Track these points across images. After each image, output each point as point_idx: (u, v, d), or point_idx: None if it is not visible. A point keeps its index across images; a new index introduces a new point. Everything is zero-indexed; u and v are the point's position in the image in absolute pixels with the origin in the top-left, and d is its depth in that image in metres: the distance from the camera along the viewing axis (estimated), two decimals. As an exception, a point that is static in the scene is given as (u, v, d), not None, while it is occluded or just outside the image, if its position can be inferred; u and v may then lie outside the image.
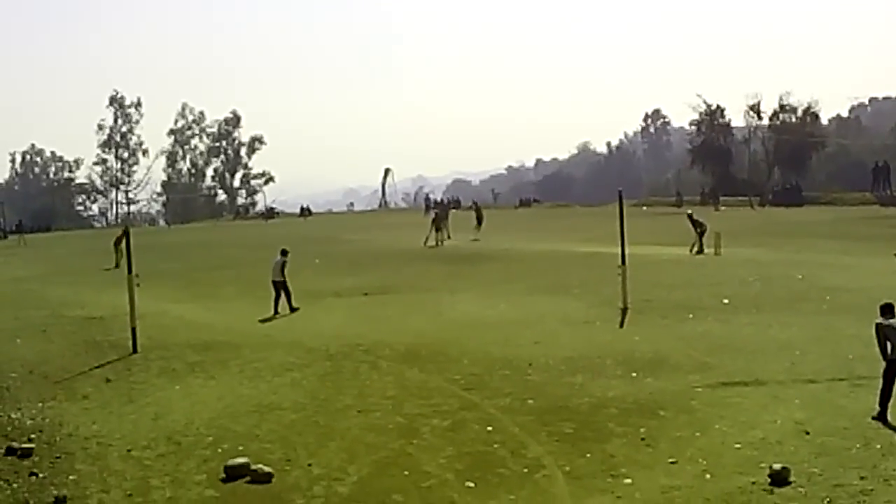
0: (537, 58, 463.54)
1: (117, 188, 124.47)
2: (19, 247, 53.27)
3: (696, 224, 32.60)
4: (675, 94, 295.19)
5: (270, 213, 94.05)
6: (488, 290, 23.97)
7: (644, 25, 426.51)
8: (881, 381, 11.31)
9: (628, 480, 9.48)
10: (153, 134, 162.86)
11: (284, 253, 22.31)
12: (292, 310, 21.50)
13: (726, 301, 19.99)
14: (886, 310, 11.74)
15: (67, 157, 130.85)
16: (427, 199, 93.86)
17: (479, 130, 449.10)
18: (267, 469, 10.00)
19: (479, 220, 44.91)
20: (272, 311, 21.30)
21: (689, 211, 36.64)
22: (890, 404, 11.17)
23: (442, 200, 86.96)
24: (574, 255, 32.17)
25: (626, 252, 20.61)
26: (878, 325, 11.73)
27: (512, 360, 15.12)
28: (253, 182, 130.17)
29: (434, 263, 31.45)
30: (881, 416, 11.05)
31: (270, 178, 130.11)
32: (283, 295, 21.67)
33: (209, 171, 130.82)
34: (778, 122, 78.69)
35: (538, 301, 21.58)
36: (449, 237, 41.96)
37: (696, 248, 31.61)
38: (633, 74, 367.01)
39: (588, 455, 10.30)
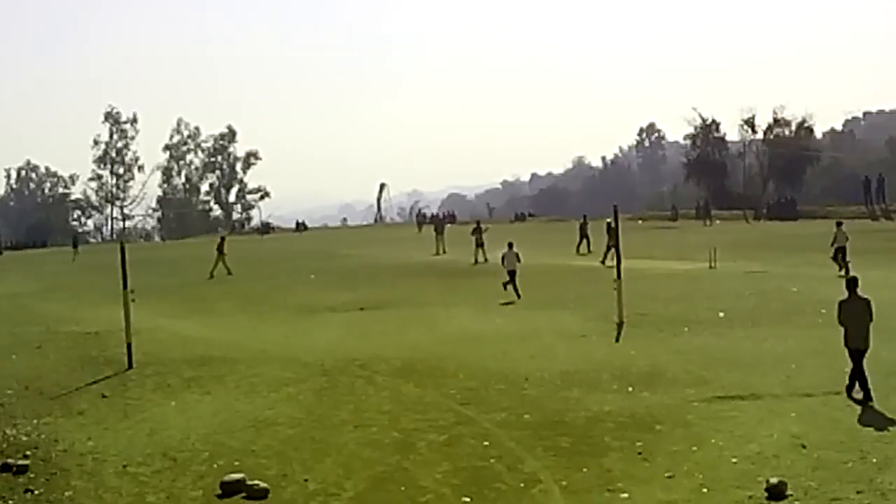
0: (532, 72, 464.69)
1: (112, 204, 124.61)
2: (73, 262, 51.39)
3: (610, 233, 32.49)
4: (670, 109, 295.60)
5: (266, 228, 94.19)
6: (484, 304, 23.98)
7: (638, 40, 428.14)
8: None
9: (625, 495, 9.46)
10: (148, 149, 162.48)
11: (511, 245, 26.16)
12: (518, 295, 24.87)
13: (722, 314, 20.02)
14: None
15: (63, 172, 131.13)
16: (420, 214, 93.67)
17: (474, 145, 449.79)
18: (263, 485, 9.96)
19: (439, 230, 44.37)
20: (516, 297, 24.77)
21: (609, 220, 37.25)
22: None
23: (438, 215, 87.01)
24: (569, 269, 32.26)
25: (622, 266, 20.66)
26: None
27: (508, 374, 15.11)
28: (248, 197, 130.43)
29: (430, 278, 31.48)
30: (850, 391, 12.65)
31: (266, 194, 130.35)
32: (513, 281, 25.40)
33: (204, 187, 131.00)
34: (772, 136, 79.07)
35: (534, 315, 21.60)
36: (445, 251, 42.06)
37: (605, 258, 32.43)
38: (627, 88, 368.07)
39: (585, 469, 10.28)
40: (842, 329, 13.02)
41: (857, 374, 12.70)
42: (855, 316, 12.92)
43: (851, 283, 13.21)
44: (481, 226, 39.01)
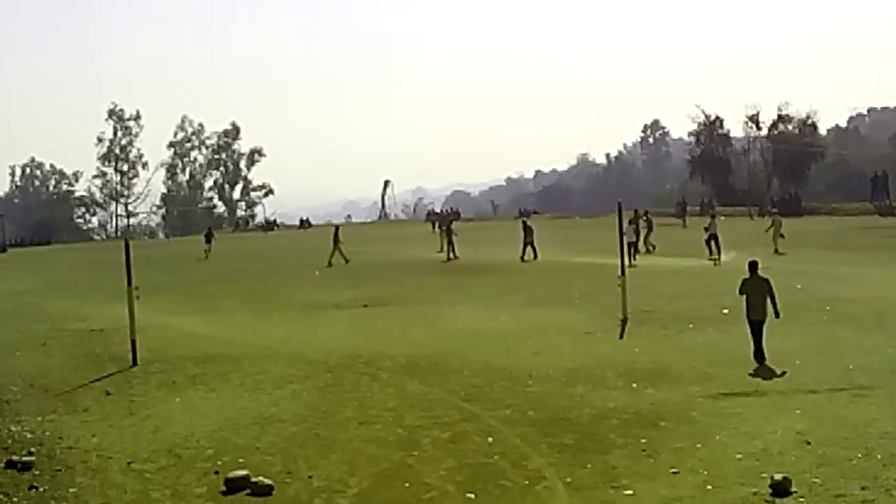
0: (537, 69, 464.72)
1: (117, 201, 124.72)
2: (206, 260, 45.99)
3: (526, 231, 35.92)
4: (675, 105, 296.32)
5: (270, 225, 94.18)
6: (488, 301, 23.98)
7: (643, 37, 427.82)
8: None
9: (629, 491, 9.45)
10: (153, 146, 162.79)
11: (630, 222, 31.81)
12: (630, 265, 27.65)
13: (726, 311, 19.97)
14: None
15: (67, 170, 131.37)
16: (431, 213, 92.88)
17: (478, 142, 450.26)
18: (267, 481, 9.96)
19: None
20: (630, 262, 28.33)
21: (524, 218, 38.71)
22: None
23: (442, 211, 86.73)
24: (574, 265, 32.22)
25: (626, 263, 20.64)
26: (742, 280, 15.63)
27: (512, 371, 15.10)
28: (252, 194, 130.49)
29: (434, 275, 31.49)
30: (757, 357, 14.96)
31: (270, 191, 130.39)
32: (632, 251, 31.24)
33: (208, 184, 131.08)
34: (777, 133, 78.93)
35: (538, 312, 21.58)
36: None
37: (523, 254, 35.25)
38: (632, 86, 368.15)
39: (589, 466, 10.28)
40: (744, 303, 15.55)
41: (756, 342, 15.13)
42: (755, 292, 15.37)
43: (753, 265, 15.67)
44: (452, 225, 39.89)
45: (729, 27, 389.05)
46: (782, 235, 36.15)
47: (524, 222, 37.95)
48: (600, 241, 37.60)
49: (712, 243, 33.73)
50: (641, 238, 36.84)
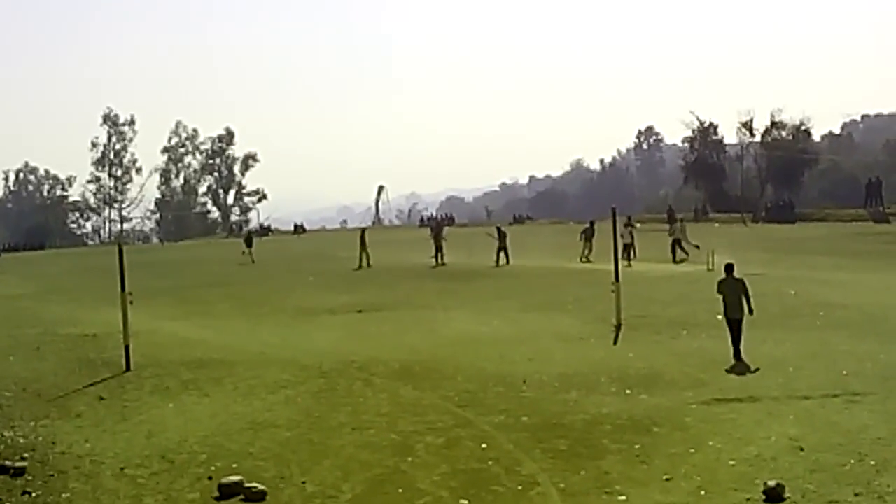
0: (531, 75, 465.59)
1: (111, 206, 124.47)
2: (252, 264, 43.37)
3: (500, 237, 36.55)
4: (669, 111, 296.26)
5: (264, 230, 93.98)
6: (482, 307, 23.98)
7: (637, 43, 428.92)
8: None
9: (623, 497, 9.46)
10: (147, 151, 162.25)
11: (625, 224, 33.56)
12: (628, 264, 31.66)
13: (720, 317, 19.96)
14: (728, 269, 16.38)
15: (61, 174, 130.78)
16: (430, 218, 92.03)
17: (472, 147, 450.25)
18: (261, 487, 9.95)
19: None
20: (627, 262, 31.87)
21: (499, 225, 41.53)
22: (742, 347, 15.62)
23: (437, 217, 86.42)
24: (568, 271, 32.24)
25: (620, 268, 20.68)
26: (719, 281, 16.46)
27: (506, 376, 15.10)
28: (246, 199, 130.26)
29: (428, 280, 31.48)
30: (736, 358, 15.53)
31: (264, 196, 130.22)
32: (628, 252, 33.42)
33: (202, 189, 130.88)
34: (770, 139, 78.97)
35: (532, 318, 21.59)
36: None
37: (502, 260, 35.75)
38: (625, 91, 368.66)
39: (583, 472, 10.28)
40: (721, 303, 16.29)
41: (734, 338, 15.80)
42: (730, 292, 16.07)
43: (728, 267, 16.41)
44: (443, 231, 40.65)
45: (722, 34, 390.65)
46: (697, 246, 34.15)
47: (498, 228, 38.36)
48: (593, 247, 37.64)
49: (676, 246, 34.75)
50: (586, 248, 37.28)
